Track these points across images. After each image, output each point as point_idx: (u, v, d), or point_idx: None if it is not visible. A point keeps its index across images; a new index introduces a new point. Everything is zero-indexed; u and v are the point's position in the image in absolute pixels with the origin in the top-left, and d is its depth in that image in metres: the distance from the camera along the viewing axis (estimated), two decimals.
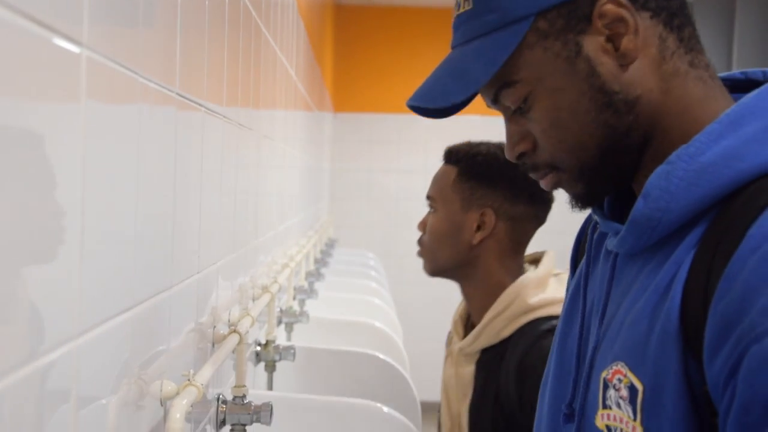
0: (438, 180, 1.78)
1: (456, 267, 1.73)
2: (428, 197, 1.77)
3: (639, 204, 0.84)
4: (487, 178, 1.72)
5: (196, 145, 1.24)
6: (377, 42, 6.72)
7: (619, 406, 0.84)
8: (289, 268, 2.46)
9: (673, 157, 0.83)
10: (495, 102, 0.94)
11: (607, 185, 0.93)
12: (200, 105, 1.25)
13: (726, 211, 0.79)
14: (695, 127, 0.85)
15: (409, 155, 6.67)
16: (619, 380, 0.84)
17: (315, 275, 3.64)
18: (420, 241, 1.78)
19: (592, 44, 0.86)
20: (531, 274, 1.68)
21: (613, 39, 0.86)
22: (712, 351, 0.75)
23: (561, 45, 0.87)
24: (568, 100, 0.88)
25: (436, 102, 0.92)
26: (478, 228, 1.71)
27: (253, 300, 1.90)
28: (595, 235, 0.98)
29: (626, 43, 0.86)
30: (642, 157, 0.89)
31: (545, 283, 1.67)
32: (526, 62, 0.89)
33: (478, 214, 1.71)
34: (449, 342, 1.83)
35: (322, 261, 4.24)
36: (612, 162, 0.89)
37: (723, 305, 0.75)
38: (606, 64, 0.86)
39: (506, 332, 1.64)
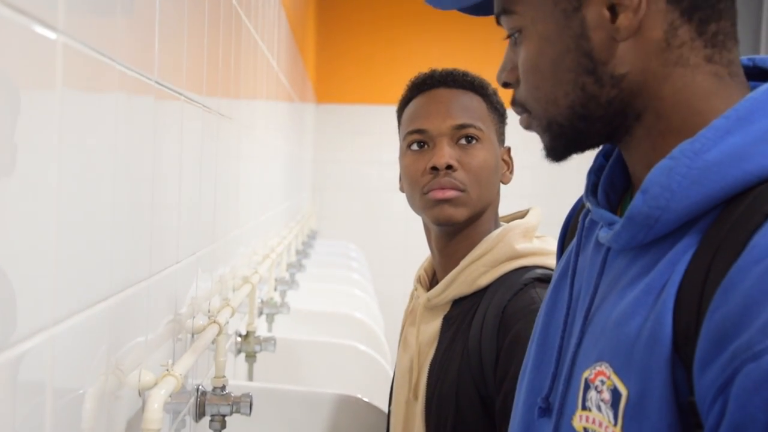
0: (471, 108, 1.50)
1: (485, 210, 1.50)
2: (467, 125, 1.48)
3: (637, 200, 0.80)
4: (504, 114, 1.57)
5: (175, 134, 1.24)
6: (360, 33, 6.71)
7: (599, 408, 0.80)
8: (270, 259, 2.45)
9: (676, 152, 0.79)
10: (498, 22, 0.93)
11: (573, 146, 0.90)
12: (179, 94, 1.24)
13: (728, 214, 0.76)
14: (699, 121, 0.81)
15: (392, 147, 6.61)
16: (602, 382, 0.80)
17: (296, 266, 3.63)
18: (458, 179, 1.46)
19: (593, 7, 0.84)
20: (518, 221, 1.49)
21: (613, 9, 0.83)
22: (704, 362, 0.72)
23: None
24: (554, 51, 0.86)
25: (433, 1, 0.98)
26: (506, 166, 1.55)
27: (234, 291, 1.89)
28: (587, 222, 0.95)
29: (623, 19, 0.83)
30: (632, 131, 0.86)
31: (531, 235, 1.48)
32: None
33: (506, 149, 1.55)
34: (411, 303, 1.60)
35: (303, 252, 4.24)
36: (579, 127, 0.87)
37: (720, 315, 0.71)
38: (599, 32, 0.84)
39: (484, 280, 1.43)
